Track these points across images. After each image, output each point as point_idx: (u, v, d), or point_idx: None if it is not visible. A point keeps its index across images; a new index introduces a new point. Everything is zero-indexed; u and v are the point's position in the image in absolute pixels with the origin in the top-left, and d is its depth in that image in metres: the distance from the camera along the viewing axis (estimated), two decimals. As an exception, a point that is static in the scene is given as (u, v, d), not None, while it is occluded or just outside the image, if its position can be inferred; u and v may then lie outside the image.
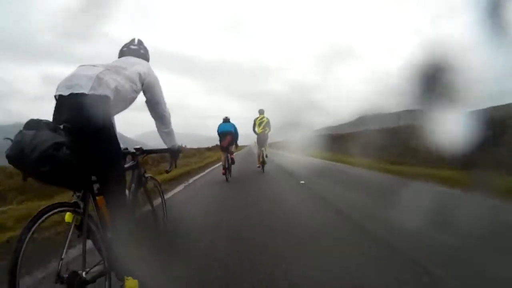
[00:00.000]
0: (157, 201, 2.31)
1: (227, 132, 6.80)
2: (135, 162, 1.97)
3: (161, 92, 1.88)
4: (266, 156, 8.85)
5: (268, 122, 8.62)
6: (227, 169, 6.67)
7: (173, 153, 2.06)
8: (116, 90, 1.58)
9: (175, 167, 2.16)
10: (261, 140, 8.73)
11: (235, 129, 6.96)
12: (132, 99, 1.76)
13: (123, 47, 1.98)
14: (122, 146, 1.81)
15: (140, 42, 2.02)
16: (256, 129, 8.72)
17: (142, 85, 1.78)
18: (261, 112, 8.73)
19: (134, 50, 1.95)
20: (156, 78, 1.87)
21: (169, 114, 1.94)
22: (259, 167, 8.85)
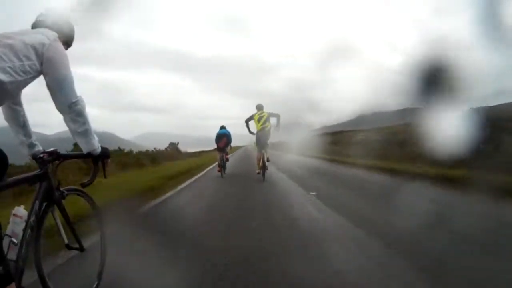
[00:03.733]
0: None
1: (223, 135, 8.41)
2: (41, 171, 1.43)
3: (68, 73, 1.36)
4: (268, 160, 7.15)
5: (268, 117, 7.15)
6: (222, 167, 8.00)
7: (96, 160, 1.53)
8: None
9: (105, 177, 1.59)
10: (261, 139, 7.14)
11: (229, 134, 8.63)
12: (19, 84, 1.25)
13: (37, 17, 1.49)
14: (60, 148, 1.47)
15: (51, 11, 1.52)
16: (255, 125, 7.23)
17: (41, 64, 1.29)
18: (259, 107, 7.34)
19: (42, 21, 1.46)
20: (62, 53, 1.38)
21: (83, 106, 1.39)
22: (258, 173, 7.08)
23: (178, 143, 24.92)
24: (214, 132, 8.55)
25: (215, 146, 8.66)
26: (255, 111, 7.38)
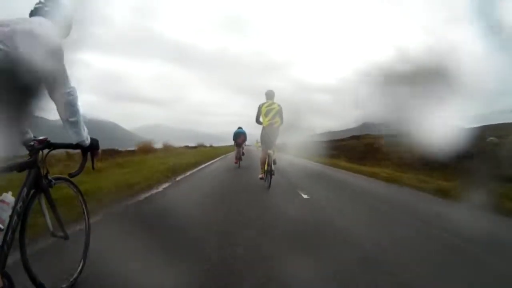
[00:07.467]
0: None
1: (240, 134, 10.57)
2: (31, 159, 1.47)
3: (61, 63, 1.38)
4: (274, 163, 5.70)
5: (280, 111, 5.76)
6: (238, 159, 10.16)
7: (85, 151, 1.59)
8: None
9: (93, 169, 1.66)
10: (268, 136, 5.70)
11: (245, 133, 10.78)
12: None
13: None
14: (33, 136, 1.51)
15: None
16: (261, 119, 5.81)
17: (33, 54, 1.31)
18: (269, 95, 5.91)
19: (39, 9, 1.48)
20: (55, 43, 1.38)
21: (76, 97, 1.42)
22: (262, 178, 5.81)
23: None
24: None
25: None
26: (259, 104, 5.93)
